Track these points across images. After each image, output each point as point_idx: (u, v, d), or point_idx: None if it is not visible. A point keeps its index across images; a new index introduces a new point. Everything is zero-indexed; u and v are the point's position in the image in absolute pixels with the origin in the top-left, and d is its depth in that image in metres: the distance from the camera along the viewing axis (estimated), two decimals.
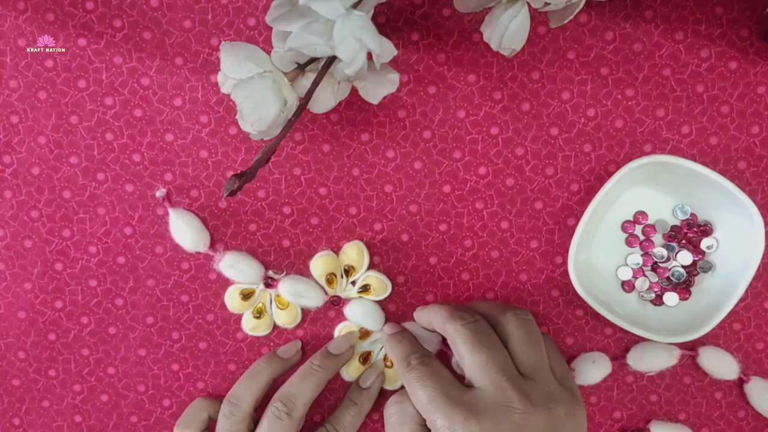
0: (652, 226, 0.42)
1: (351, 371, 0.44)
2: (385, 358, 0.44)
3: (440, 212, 0.43)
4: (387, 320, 0.43)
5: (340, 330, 0.44)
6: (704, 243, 0.42)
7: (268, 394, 0.42)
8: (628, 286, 0.43)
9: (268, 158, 0.35)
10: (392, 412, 0.38)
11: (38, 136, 0.42)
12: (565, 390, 0.36)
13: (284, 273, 0.43)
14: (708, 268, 0.42)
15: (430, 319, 0.40)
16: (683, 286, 0.42)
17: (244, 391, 0.42)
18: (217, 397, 0.44)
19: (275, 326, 0.44)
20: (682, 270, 0.42)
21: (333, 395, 0.45)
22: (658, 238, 0.42)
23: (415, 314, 0.42)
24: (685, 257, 0.42)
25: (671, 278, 0.42)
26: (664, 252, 0.42)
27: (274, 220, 0.43)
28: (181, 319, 0.44)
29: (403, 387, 0.39)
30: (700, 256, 0.42)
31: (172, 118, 0.42)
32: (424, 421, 0.36)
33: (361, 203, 0.43)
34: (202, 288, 0.44)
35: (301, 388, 0.41)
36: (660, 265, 0.42)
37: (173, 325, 0.44)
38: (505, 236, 0.43)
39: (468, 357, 0.36)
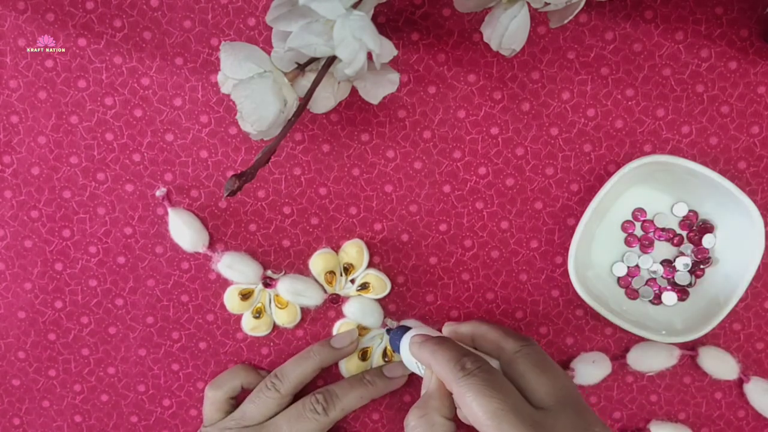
0: (651, 221, 0.42)
1: (350, 367, 0.44)
2: (384, 354, 0.44)
3: (440, 212, 0.43)
4: (386, 317, 0.43)
5: (338, 327, 0.44)
6: (704, 243, 0.42)
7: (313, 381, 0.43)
8: (624, 282, 0.42)
9: (268, 158, 0.35)
10: (414, 426, 0.34)
11: (38, 136, 0.42)
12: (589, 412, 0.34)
13: (283, 272, 0.43)
14: (708, 267, 0.42)
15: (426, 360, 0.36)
16: (682, 286, 0.42)
17: (290, 371, 0.42)
18: (256, 366, 0.45)
19: (275, 326, 0.44)
20: (683, 270, 0.42)
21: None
22: (657, 238, 0.42)
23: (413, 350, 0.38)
24: (686, 257, 0.42)
25: (671, 279, 0.42)
26: (664, 252, 0.42)
27: (274, 220, 0.43)
28: (181, 319, 0.44)
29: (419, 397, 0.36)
30: (701, 256, 0.42)
31: (172, 118, 0.42)
32: (455, 427, 0.34)
33: (361, 203, 0.43)
34: (202, 288, 0.44)
35: (346, 394, 0.41)
36: (660, 265, 0.42)
37: (173, 325, 0.44)
38: (505, 236, 0.43)
39: (536, 377, 0.33)
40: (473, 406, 0.31)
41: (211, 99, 0.42)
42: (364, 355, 0.44)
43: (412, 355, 0.38)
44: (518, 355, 0.34)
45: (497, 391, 0.31)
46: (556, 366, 0.34)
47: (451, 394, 0.34)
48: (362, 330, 0.44)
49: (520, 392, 0.33)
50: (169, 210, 0.42)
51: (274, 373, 0.42)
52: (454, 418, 0.35)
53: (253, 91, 0.33)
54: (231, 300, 0.43)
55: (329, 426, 0.41)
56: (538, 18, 0.40)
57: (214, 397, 0.43)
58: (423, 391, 0.37)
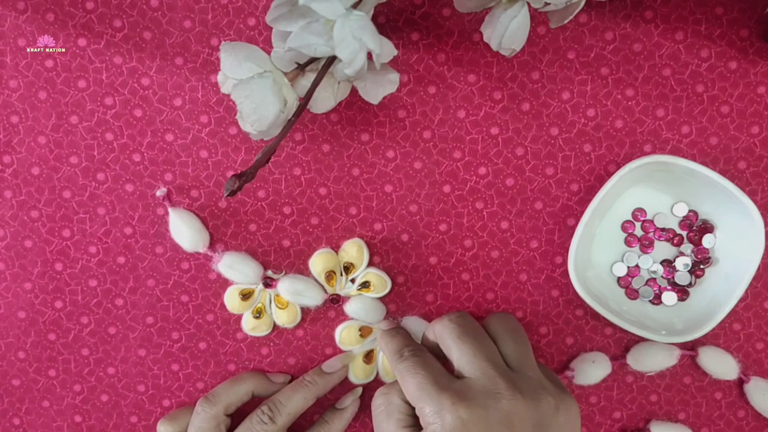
0: (651, 221, 0.42)
1: (357, 372, 0.44)
2: None
3: (440, 212, 0.43)
4: (387, 316, 0.43)
5: (341, 330, 0.44)
6: (704, 243, 0.42)
7: (247, 405, 0.43)
8: (624, 282, 0.43)
9: (268, 158, 0.35)
10: (379, 403, 0.38)
11: (38, 136, 0.42)
12: (553, 385, 0.37)
13: (283, 273, 0.43)
14: (708, 267, 0.42)
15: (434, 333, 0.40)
16: (682, 286, 0.42)
17: (222, 392, 0.43)
18: (255, 368, 0.45)
19: (275, 326, 0.44)
20: (683, 270, 0.42)
21: (332, 394, 0.45)
22: (657, 238, 0.42)
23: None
24: (686, 257, 0.42)
25: (671, 279, 0.42)
26: (664, 252, 0.42)
27: (274, 220, 0.43)
28: (181, 319, 0.44)
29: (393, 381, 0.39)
30: (701, 256, 0.42)
31: (172, 118, 0.42)
32: (412, 411, 0.37)
33: (361, 203, 0.43)
34: (202, 288, 0.44)
35: (289, 398, 0.42)
36: (660, 265, 0.42)
37: (173, 325, 0.44)
38: (505, 236, 0.43)
39: (456, 349, 0.37)
40: (406, 383, 0.36)
41: (211, 99, 0.42)
42: (368, 358, 0.44)
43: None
44: (441, 328, 0.39)
45: (423, 369, 0.36)
46: (470, 337, 0.37)
47: None
48: (366, 331, 0.44)
49: (450, 363, 0.37)
50: (170, 210, 0.42)
51: (265, 404, 0.42)
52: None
53: (253, 91, 0.33)
54: (231, 300, 0.43)
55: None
56: (538, 18, 0.40)
57: (166, 431, 0.43)
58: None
